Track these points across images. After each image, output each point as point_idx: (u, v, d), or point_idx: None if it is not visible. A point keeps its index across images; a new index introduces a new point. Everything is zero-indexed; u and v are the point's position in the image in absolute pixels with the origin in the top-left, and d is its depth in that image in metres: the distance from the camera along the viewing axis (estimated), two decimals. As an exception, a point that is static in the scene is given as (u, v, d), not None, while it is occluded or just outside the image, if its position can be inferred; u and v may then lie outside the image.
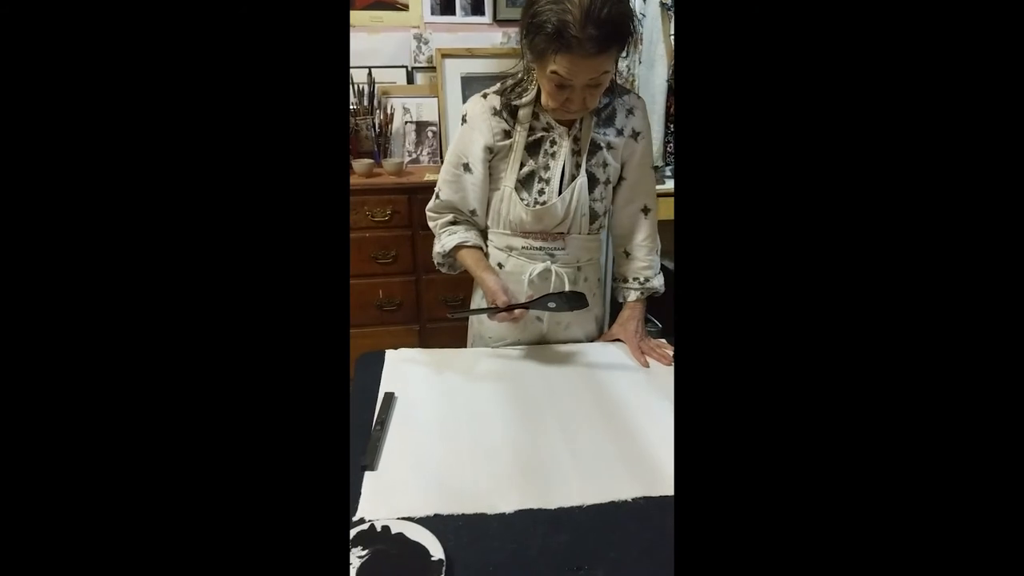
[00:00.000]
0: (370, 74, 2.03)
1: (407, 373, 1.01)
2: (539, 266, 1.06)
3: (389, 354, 1.07)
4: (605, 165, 1.04)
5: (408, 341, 2.02)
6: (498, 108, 1.00)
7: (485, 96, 1.02)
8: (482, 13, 2.16)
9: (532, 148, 1.02)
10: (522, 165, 1.02)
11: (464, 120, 1.03)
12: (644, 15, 2.06)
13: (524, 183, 1.03)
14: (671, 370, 1.03)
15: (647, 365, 1.04)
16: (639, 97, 1.07)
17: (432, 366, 1.04)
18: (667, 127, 2.21)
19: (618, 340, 1.12)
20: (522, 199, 1.02)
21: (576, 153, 1.01)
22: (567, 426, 0.87)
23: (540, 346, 1.12)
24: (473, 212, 1.07)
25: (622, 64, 2.04)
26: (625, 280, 1.13)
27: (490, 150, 1.01)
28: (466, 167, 1.03)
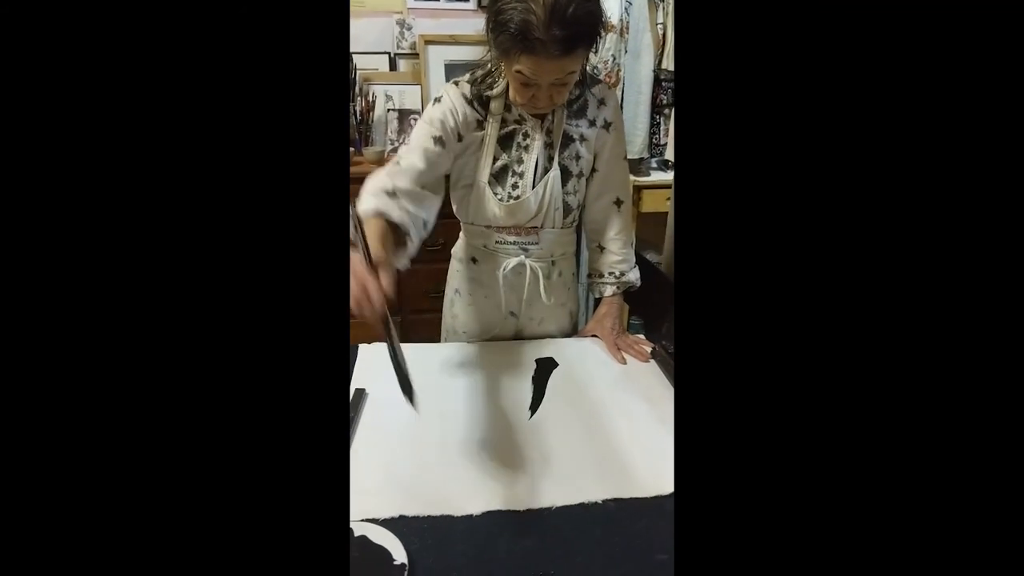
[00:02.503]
0: (351, 60, 1.99)
1: (380, 369, 0.99)
2: (513, 261, 1.04)
3: (363, 348, 1.05)
4: (578, 157, 1.02)
5: (389, 332, 2.00)
6: (470, 97, 0.97)
7: (457, 83, 0.99)
8: (466, -1, 2.12)
9: (504, 141, 0.99)
10: (495, 159, 0.99)
11: (438, 100, 0.97)
12: (631, 3, 2.03)
13: (497, 177, 1.00)
14: (648, 367, 1.02)
15: (624, 362, 1.03)
16: (609, 87, 1.04)
17: (406, 362, 1.02)
18: (653, 118, 2.19)
19: (595, 336, 1.11)
20: (495, 194, 1.00)
21: (549, 146, 0.99)
22: (539, 425, 0.86)
23: (515, 342, 1.10)
24: (424, 185, 0.94)
25: (608, 55, 2.01)
26: (600, 275, 1.12)
27: (460, 136, 0.97)
28: (438, 140, 0.95)
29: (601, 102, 1.02)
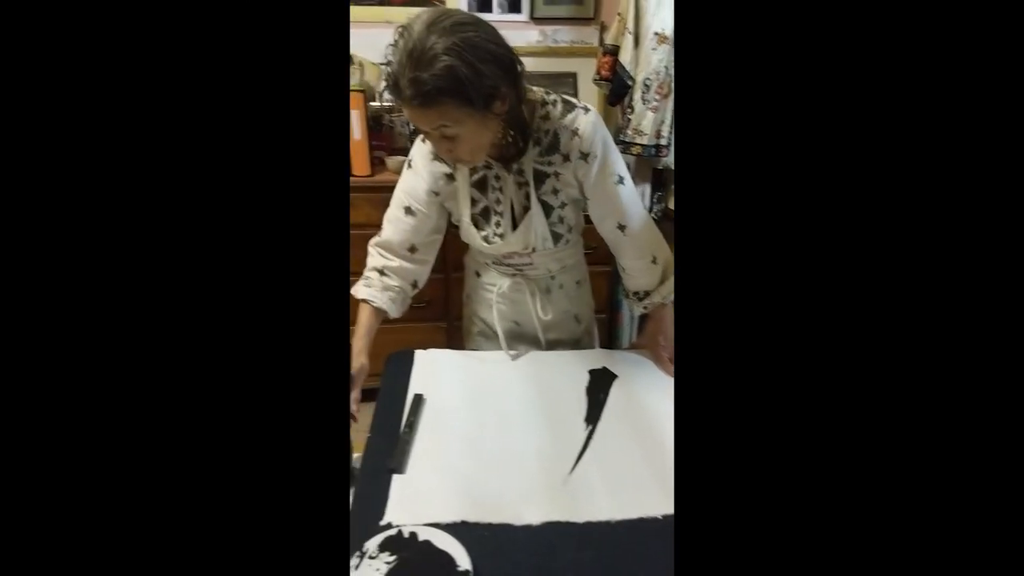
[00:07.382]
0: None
1: (436, 375, 1.01)
2: (507, 281, 1.09)
3: (418, 354, 1.07)
4: (556, 192, 0.99)
5: (435, 339, 2.03)
6: (435, 153, 0.96)
7: (424, 139, 0.95)
8: (519, 11, 2.15)
9: (479, 186, 1.00)
10: (474, 202, 1.01)
11: (409, 164, 1.01)
12: (683, 15, 2.01)
13: (482, 216, 1.02)
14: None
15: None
16: (587, 111, 0.94)
17: (461, 368, 1.04)
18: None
19: (646, 349, 1.11)
20: (481, 232, 1.02)
21: (523, 185, 0.98)
22: (596, 436, 0.86)
23: (570, 352, 1.11)
24: (412, 248, 1.04)
25: (660, 65, 1.97)
26: (627, 295, 1.14)
27: (436, 193, 1.00)
28: (408, 210, 1.01)
29: (575, 133, 0.93)
